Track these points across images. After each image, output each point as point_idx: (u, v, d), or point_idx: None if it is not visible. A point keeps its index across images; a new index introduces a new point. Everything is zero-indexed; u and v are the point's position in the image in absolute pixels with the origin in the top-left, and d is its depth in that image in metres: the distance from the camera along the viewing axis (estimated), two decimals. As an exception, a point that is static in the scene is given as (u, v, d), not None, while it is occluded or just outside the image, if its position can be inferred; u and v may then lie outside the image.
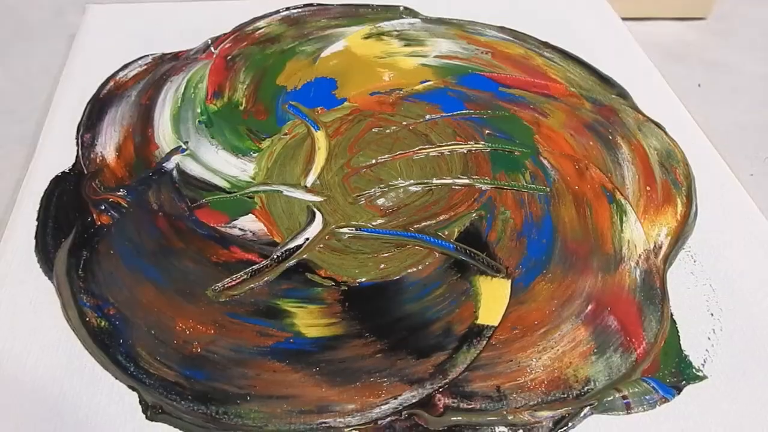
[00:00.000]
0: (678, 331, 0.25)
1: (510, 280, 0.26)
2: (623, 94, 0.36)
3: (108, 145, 0.31)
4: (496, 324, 0.25)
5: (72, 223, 0.27)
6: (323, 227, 0.28)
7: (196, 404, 0.22)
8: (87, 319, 0.24)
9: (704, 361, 0.24)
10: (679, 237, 0.28)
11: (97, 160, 0.30)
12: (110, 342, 0.23)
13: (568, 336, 0.24)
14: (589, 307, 0.25)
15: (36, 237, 0.27)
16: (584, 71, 0.37)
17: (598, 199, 0.30)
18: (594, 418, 0.22)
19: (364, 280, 0.26)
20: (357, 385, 0.23)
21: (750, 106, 0.41)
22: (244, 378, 0.23)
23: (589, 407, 0.22)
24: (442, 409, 0.22)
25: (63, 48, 0.41)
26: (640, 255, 0.27)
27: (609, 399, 0.22)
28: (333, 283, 0.26)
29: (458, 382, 0.23)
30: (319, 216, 0.28)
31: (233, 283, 0.25)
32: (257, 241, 0.27)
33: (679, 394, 0.23)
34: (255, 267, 0.26)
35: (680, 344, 0.24)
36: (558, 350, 0.24)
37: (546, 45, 0.39)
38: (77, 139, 0.31)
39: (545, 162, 0.32)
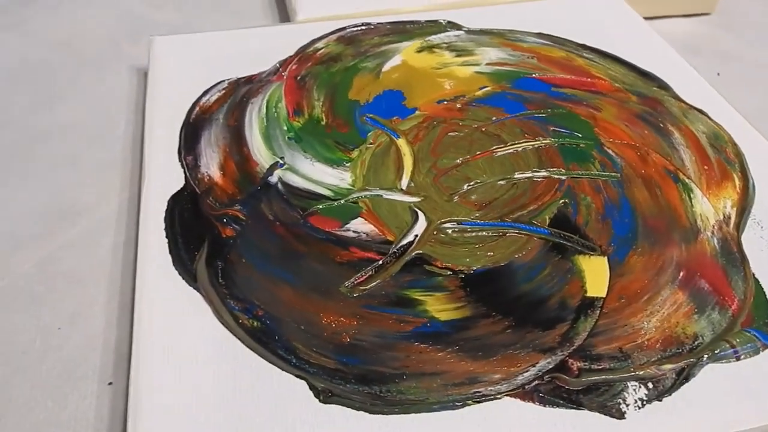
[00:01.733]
0: (762, 288, 0.28)
1: (606, 257, 0.29)
2: (664, 86, 0.39)
3: (211, 165, 0.33)
4: (604, 295, 0.27)
5: (199, 238, 0.29)
6: (429, 224, 0.30)
7: (359, 386, 0.24)
8: (240, 321, 0.26)
9: (791, 312, 0.27)
10: (743, 207, 0.32)
11: (205, 179, 0.32)
12: (267, 339, 0.25)
13: (669, 300, 0.27)
14: (681, 274, 0.28)
15: (170, 253, 0.29)
16: (623, 68, 0.41)
17: (664, 180, 0.33)
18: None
19: (477, 267, 0.29)
20: (497, 357, 0.25)
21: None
22: (396, 360, 0.25)
23: (705, 357, 0.25)
24: (577, 372, 0.25)
25: (127, 77, 0.44)
26: (713, 225, 0.31)
27: (719, 350, 0.25)
28: (450, 272, 0.28)
29: (584, 347, 0.26)
30: (421, 214, 0.31)
31: (362, 279, 0.28)
32: (372, 240, 0.30)
33: (777, 340, 0.26)
34: (378, 263, 0.28)
35: (767, 298, 0.28)
36: (664, 313, 0.27)
37: (584, 47, 0.42)
38: (181, 161, 0.33)
39: (609, 151, 0.35)
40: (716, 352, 0.25)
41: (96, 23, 0.50)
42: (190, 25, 0.49)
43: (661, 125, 0.36)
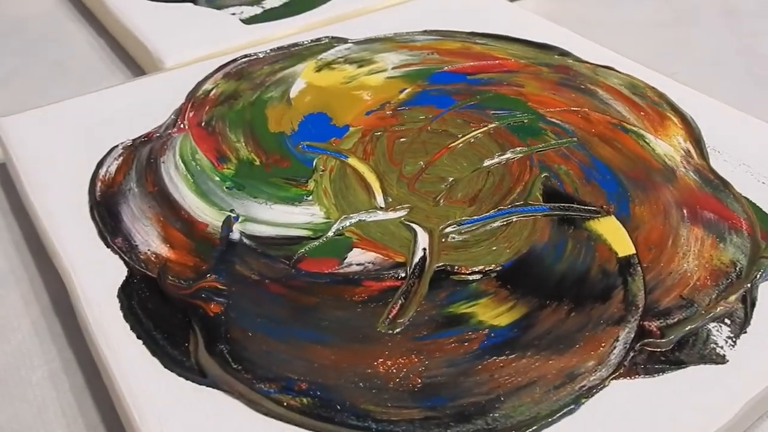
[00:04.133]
0: (754, 203, 0.29)
1: (612, 215, 0.28)
2: (564, 53, 0.40)
3: (151, 242, 0.27)
4: (634, 251, 0.26)
5: (178, 326, 0.23)
6: (430, 234, 0.27)
7: (462, 426, 0.20)
8: (285, 403, 0.21)
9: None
10: (696, 138, 0.33)
11: (152, 258, 0.26)
12: (329, 412, 0.21)
13: (690, 237, 0.27)
14: (685, 212, 0.28)
15: (154, 355, 0.22)
16: (519, 45, 0.41)
17: (616, 134, 0.33)
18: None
19: (503, 261, 0.26)
20: (579, 345, 0.23)
21: (635, 43, 0.48)
22: (482, 384, 0.21)
23: (758, 276, 0.25)
24: (659, 332, 0.23)
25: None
26: (680, 161, 0.31)
27: (763, 268, 0.25)
28: (481, 275, 0.25)
29: (649, 307, 0.24)
30: (416, 227, 0.28)
31: (395, 311, 0.24)
32: (381, 268, 0.26)
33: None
34: (403, 289, 0.25)
35: (763, 210, 0.28)
36: (694, 250, 0.26)
37: (473, 34, 0.42)
38: (110, 247, 0.27)
39: (554, 120, 0.34)
40: (762, 270, 0.25)
41: None
42: (27, 104, 0.41)
43: (582, 86, 0.37)
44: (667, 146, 0.32)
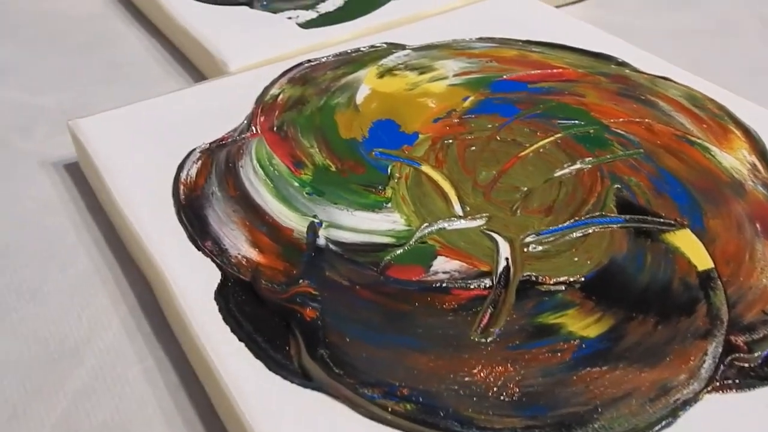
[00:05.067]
0: (827, 216, 0.29)
1: (687, 228, 0.29)
2: (621, 63, 0.40)
3: (240, 246, 0.28)
4: (713, 265, 0.27)
5: (276, 330, 0.24)
6: (511, 243, 0.28)
7: (563, 435, 0.21)
8: (390, 408, 0.21)
9: None
10: (761, 151, 0.33)
11: (243, 262, 0.27)
12: (434, 418, 0.21)
13: (766, 252, 0.28)
14: (758, 226, 0.29)
15: (258, 358, 0.23)
16: (575, 54, 0.41)
17: (681, 146, 0.34)
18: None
19: (586, 272, 0.27)
20: (668, 359, 0.23)
21: (679, 51, 0.48)
22: (579, 394, 0.22)
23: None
24: (746, 347, 0.24)
25: (43, 177, 0.36)
26: (748, 175, 0.32)
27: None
28: (564, 286, 0.26)
29: (733, 321, 0.25)
30: (497, 236, 0.28)
31: (486, 320, 0.25)
32: (467, 276, 0.26)
33: None
34: (491, 299, 0.25)
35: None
36: (772, 265, 0.27)
37: (528, 42, 0.42)
38: (202, 250, 0.27)
39: (618, 131, 0.35)
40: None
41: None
42: (88, 106, 0.42)
43: (642, 97, 0.37)
44: (733, 159, 0.33)
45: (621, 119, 0.35)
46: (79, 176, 0.36)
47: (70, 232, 0.33)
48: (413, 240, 0.28)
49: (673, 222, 0.29)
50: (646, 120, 0.35)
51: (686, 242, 0.28)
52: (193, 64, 0.45)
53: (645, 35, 0.50)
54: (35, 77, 0.45)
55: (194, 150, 0.33)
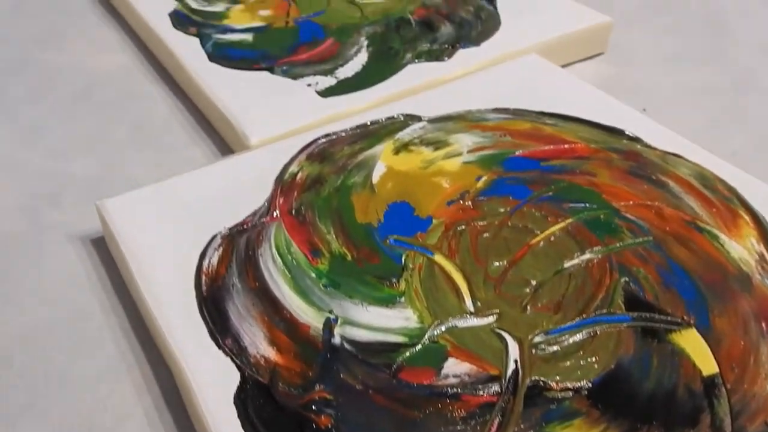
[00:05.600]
0: (832, 317, 0.30)
1: (693, 327, 0.29)
2: (633, 138, 0.41)
3: (258, 344, 0.29)
4: (717, 370, 0.28)
5: (294, 438, 0.25)
6: (520, 344, 0.29)
7: None
8: None
9: None
10: (769, 241, 0.34)
11: (261, 363, 0.28)
12: None
13: (771, 356, 0.28)
14: (764, 325, 0.29)
15: (276, 468, 0.24)
16: (587, 127, 0.42)
17: (690, 233, 0.34)
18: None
19: (592, 378, 0.27)
20: (671, 473, 0.24)
21: (692, 109, 0.49)
22: None
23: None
24: (747, 461, 0.24)
25: (69, 252, 0.37)
26: (755, 267, 0.32)
27: None
28: (572, 393, 0.27)
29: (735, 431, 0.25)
30: (506, 336, 0.29)
31: (494, 430, 0.25)
32: (477, 380, 0.27)
33: None
34: (500, 406, 0.26)
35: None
36: (776, 371, 0.28)
37: (542, 113, 0.43)
38: (222, 348, 0.29)
39: (628, 216, 0.35)
40: None
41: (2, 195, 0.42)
42: (115, 173, 0.44)
43: (653, 177, 0.38)
44: (741, 249, 0.33)
45: (631, 202, 0.36)
46: (105, 251, 0.38)
47: (97, 312, 0.34)
48: (425, 339, 0.29)
49: (679, 321, 0.30)
50: (656, 203, 0.36)
51: (692, 343, 0.29)
52: (216, 129, 0.47)
53: (658, 92, 0.51)
54: (63, 139, 0.46)
55: (216, 236, 0.34)
